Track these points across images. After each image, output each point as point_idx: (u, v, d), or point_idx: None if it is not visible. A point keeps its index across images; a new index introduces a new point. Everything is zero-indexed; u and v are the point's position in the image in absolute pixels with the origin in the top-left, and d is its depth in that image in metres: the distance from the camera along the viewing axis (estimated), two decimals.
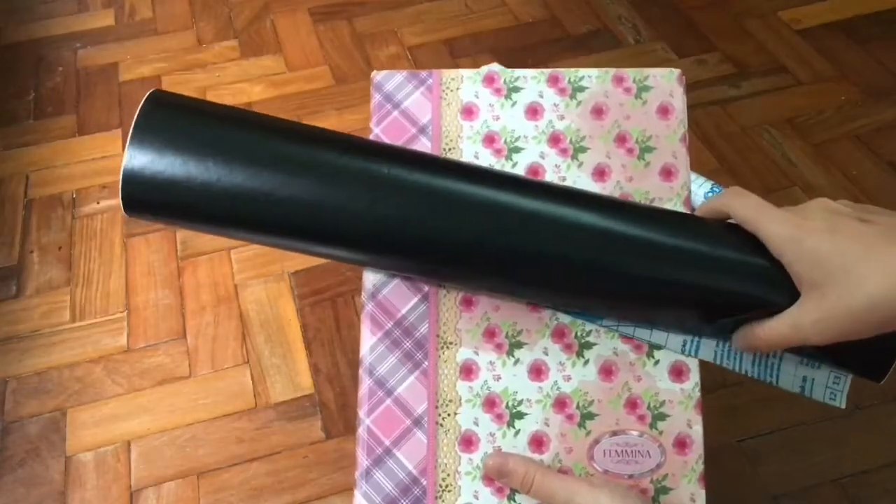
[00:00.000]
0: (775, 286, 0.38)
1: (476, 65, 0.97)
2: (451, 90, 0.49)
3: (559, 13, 1.10)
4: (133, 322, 0.76)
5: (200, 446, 0.66)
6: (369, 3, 1.13)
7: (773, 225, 0.37)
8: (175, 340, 0.74)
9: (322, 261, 0.80)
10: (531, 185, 0.43)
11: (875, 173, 0.84)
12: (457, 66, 1.02)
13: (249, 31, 1.09)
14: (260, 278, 0.78)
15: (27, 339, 0.75)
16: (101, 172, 0.91)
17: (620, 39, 1.04)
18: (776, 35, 1.02)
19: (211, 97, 0.99)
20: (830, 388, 0.45)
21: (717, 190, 0.78)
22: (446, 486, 0.44)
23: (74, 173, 0.91)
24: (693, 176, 0.80)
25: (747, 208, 0.39)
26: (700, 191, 0.79)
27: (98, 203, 0.87)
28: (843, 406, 0.43)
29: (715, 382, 0.69)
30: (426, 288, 0.46)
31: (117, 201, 0.87)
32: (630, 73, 0.49)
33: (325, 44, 1.07)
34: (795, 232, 0.36)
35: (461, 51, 1.04)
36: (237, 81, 1.01)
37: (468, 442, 0.44)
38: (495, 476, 0.43)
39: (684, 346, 0.45)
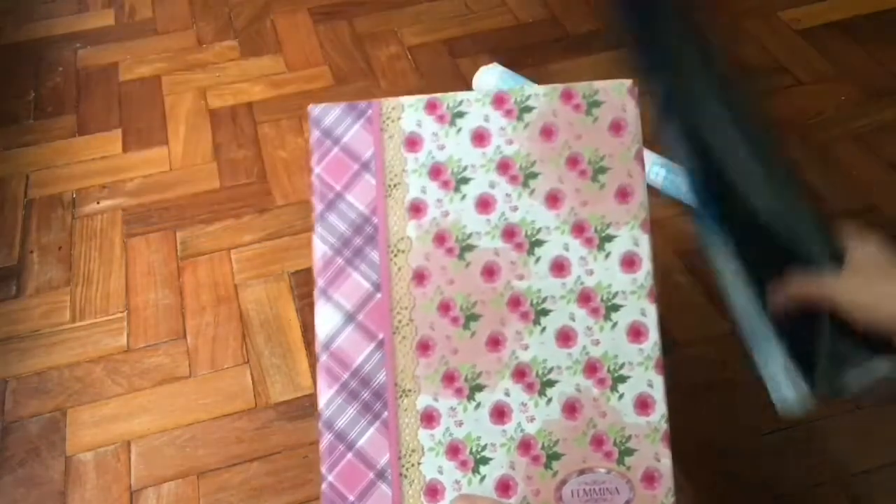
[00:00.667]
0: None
1: (476, 65, 0.97)
2: (393, 120, 0.47)
3: (559, 13, 1.10)
4: (133, 322, 0.76)
5: (200, 446, 0.66)
6: (369, 3, 1.13)
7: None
8: (175, 340, 0.74)
9: None
10: None
11: (875, 173, 0.84)
12: (457, 66, 1.02)
13: (249, 31, 1.09)
14: (260, 278, 0.78)
15: (27, 339, 0.75)
16: (101, 172, 0.91)
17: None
18: (776, 35, 1.02)
19: (211, 97, 0.99)
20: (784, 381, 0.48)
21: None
22: None
23: (74, 173, 0.91)
24: (656, 158, 0.81)
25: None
26: (660, 171, 0.79)
27: (98, 203, 0.87)
28: (779, 404, 0.47)
29: (712, 381, 0.69)
30: (381, 334, 0.45)
31: (117, 201, 0.88)
32: (579, 89, 0.47)
33: (325, 44, 1.07)
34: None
35: (461, 51, 1.04)
36: (237, 81, 1.01)
37: (433, 491, 0.43)
38: None
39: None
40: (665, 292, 0.48)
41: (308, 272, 0.78)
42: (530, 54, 1.02)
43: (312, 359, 0.72)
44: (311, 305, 0.75)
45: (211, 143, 0.93)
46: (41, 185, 0.90)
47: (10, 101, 1.00)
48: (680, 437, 0.43)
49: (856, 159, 0.86)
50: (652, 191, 0.73)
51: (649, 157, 0.83)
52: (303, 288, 0.77)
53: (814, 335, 0.48)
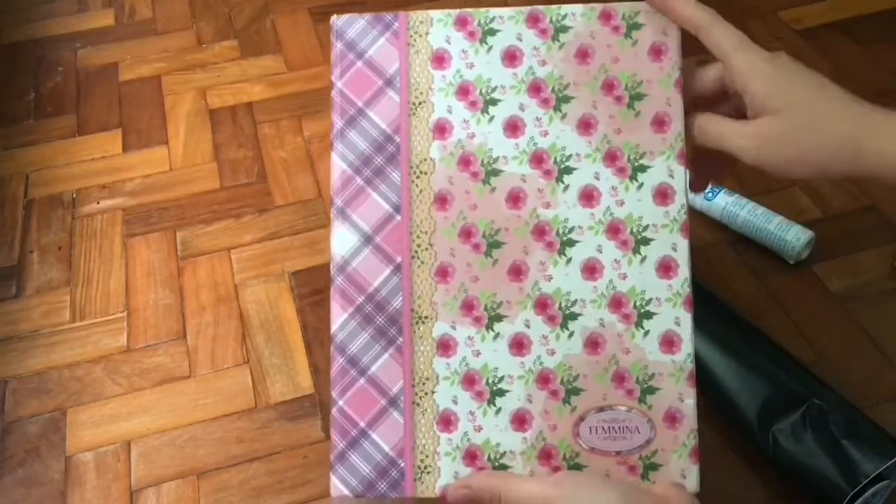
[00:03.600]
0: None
1: None
2: (420, 35, 0.45)
3: None
4: (133, 322, 0.75)
5: (200, 446, 0.66)
6: (369, 3, 1.13)
7: (747, 54, 0.43)
8: (175, 340, 0.74)
9: (322, 261, 0.80)
10: None
11: None
12: None
13: (249, 31, 1.09)
14: (260, 278, 0.78)
15: (27, 339, 0.75)
16: (101, 172, 0.91)
17: None
18: (776, 35, 1.02)
19: (211, 97, 0.99)
20: None
21: (718, 190, 0.78)
22: (425, 468, 0.42)
23: (74, 173, 0.91)
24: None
25: (726, 37, 0.44)
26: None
27: (98, 203, 0.87)
28: None
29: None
30: (398, 258, 0.43)
31: (117, 201, 0.87)
32: (619, 9, 0.44)
33: (325, 44, 1.07)
34: (769, 65, 0.41)
35: None
36: (237, 81, 1.01)
37: (447, 421, 0.42)
38: None
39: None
40: None
41: (308, 272, 0.78)
42: None
43: (312, 359, 0.71)
44: (311, 305, 0.75)
45: (211, 143, 0.93)
46: (41, 185, 0.90)
47: (10, 101, 1.00)
48: None
49: None
50: None
51: None
52: (303, 288, 0.77)
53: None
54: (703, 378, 0.60)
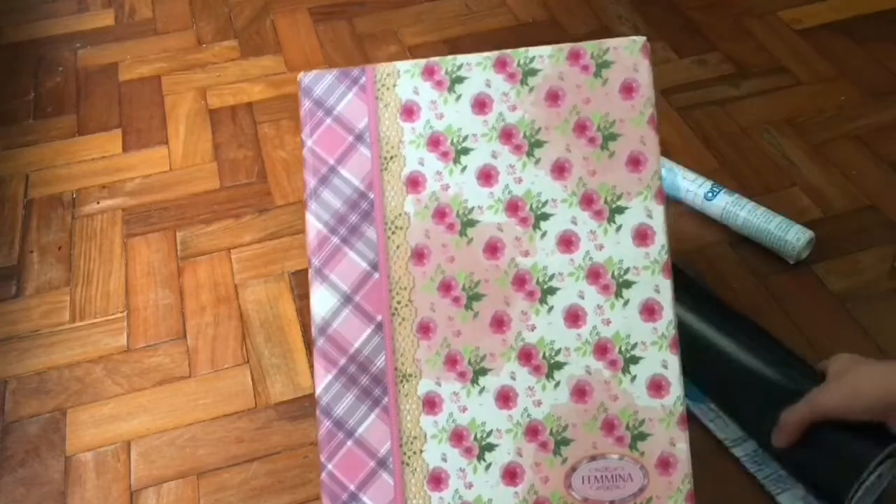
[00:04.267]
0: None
1: None
2: (388, 88, 0.44)
3: (559, 13, 1.10)
4: (133, 322, 0.75)
5: (200, 446, 0.66)
6: (369, 3, 1.13)
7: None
8: (175, 340, 0.74)
9: None
10: None
11: (875, 173, 0.84)
12: None
13: (249, 31, 1.09)
14: (260, 278, 0.78)
15: (27, 339, 0.75)
16: (101, 172, 0.91)
17: None
18: (776, 35, 1.02)
19: (211, 97, 0.99)
20: None
21: (718, 190, 0.78)
22: None
23: (74, 173, 0.91)
24: (692, 175, 0.80)
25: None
26: (700, 191, 0.79)
27: (98, 203, 0.87)
28: None
29: None
30: (379, 316, 0.43)
31: (117, 201, 0.87)
32: (587, 48, 0.43)
33: (325, 44, 1.07)
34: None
35: (461, 51, 1.04)
36: (237, 81, 1.01)
37: (437, 480, 0.42)
38: None
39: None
40: None
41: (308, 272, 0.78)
42: None
43: (313, 359, 0.71)
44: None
45: (211, 143, 0.93)
46: (41, 185, 0.90)
47: (9, 101, 1.00)
48: None
49: (856, 159, 0.86)
50: None
51: None
52: (303, 288, 0.77)
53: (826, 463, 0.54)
54: (705, 378, 0.61)
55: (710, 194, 0.78)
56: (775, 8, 1.06)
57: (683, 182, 0.79)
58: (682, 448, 0.41)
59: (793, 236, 0.73)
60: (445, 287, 0.43)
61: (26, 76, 1.04)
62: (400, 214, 0.44)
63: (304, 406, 0.68)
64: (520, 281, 0.42)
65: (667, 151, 0.87)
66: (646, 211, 0.42)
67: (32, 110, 0.99)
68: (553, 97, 0.43)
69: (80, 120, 0.97)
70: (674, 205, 0.80)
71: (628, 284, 0.42)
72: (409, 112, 0.44)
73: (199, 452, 0.66)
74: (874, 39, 1.00)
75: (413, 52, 1.04)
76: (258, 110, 0.97)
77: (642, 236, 0.42)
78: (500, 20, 1.09)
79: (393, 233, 0.43)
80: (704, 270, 0.75)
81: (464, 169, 0.43)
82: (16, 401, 0.70)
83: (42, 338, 0.75)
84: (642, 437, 0.41)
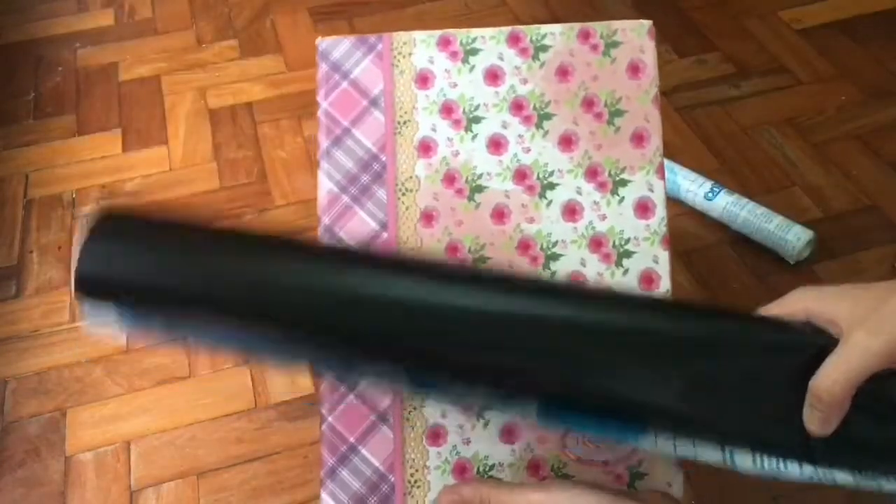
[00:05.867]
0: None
1: None
2: (404, 56, 0.45)
3: (559, 13, 1.10)
4: None
5: (200, 446, 0.66)
6: (369, 3, 1.13)
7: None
8: (175, 340, 0.74)
9: None
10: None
11: (875, 173, 0.84)
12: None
13: (249, 31, 1.09)
14: None
15: (27, 339, 0.75)
16: (100, 172, 0.91)
17: None
18: (776, 35, 1.02)
19: (211, 97, 0.99)
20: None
21: (718, 190, 0.78)
22: (415, 482, 0.42)
23: (74, 173, 0.91)
24: (692, 175, 0.80)
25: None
26: (700, 190, 0.79)
27: (98, 203, 0.87)
28: None
29: None
30: None
31: (117, 201, 0.87)
32: (597, 28, 0.46)
33: None
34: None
35: None
36: (237, 81, 1.01)
37: (436, 435, 0.43)
38: None
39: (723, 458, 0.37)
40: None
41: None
42: None
43: None
44: None
45: (211, 143, 0.93)
46: (41, 184, 0.90)
47: (9, 101, 1.00)
48: None
49: (856, 159, 0.86)
50: None
51: None
52: None
53: None
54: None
55: (710, 194, 0.78)
56: (775, 8, 1.06)
57: (683, 182, 0.79)
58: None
59: (793, 236, 0.73)
60: (452, 249, 0.44)
61: (26, 76, 1.04)
62: (410, 177, 0.45)
63: (304, 406, 0.68)
64: (524, 246, 0.44)
65: (667, 151, 0.87)
66: (647, 185, 0.44)
67: (32, 110, 0.99)
68: (563, 73, 0.45)
69: (80, 120, 0.97)
70: (674, 205, 0.81)
71: (628, 254, 0.44)
72: (423, 79, 0.45)
73: (198, 452, 0.66)
74: (874, 39, 1.00)
75: None
76: (258, 110, 0.97)
77: (643, 209, 0.44)
78: (500, 20, 1.09)
79: (403, 195, 0.44)
80: (705, 270, 0.75)
81: (474, 137, 0.45)
82: (16, 401, 0.70)
83: (42, 338, 0.75)
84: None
